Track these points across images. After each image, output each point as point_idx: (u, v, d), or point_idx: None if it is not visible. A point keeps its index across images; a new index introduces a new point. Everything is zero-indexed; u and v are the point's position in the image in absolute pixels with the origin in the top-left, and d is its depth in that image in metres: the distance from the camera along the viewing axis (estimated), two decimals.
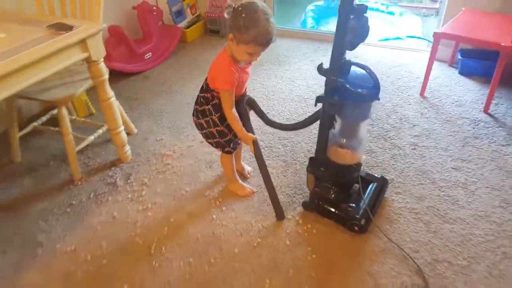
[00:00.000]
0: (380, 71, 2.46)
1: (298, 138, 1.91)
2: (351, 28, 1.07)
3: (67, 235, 1.47)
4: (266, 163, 1.45)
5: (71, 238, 1.45)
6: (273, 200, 1.46)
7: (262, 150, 1.55)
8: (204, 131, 1.44)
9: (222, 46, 1.32)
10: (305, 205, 1.49)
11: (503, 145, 1.80)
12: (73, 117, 1.97)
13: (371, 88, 1.16)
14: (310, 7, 3.56)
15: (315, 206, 1.45)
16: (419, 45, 2.90)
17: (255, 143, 1.38)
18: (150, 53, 2.70)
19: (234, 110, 1.33)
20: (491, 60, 1.96)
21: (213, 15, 3.02)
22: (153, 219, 1.51)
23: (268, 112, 1.78)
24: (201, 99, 1.38)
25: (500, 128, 1.91)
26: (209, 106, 1.36)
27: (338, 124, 1.31)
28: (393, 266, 1.29)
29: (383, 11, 3.76)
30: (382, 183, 1.53)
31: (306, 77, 2.47)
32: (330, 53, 1.18)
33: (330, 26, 3.35)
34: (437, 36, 2.07)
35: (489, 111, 2.04)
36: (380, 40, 3.02)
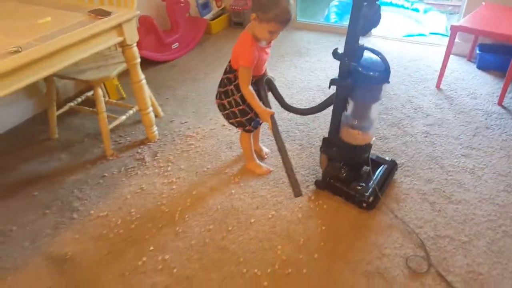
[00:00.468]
0: (399, 64, 2.51)
1: (314, 124, 2.02)
2: (364, 15, 1.16)
3: (100, 202, 1.61)
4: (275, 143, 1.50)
5: (104, 205, 1.59)
6: (290, 175, 1.47)
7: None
8: (226, 111, 1.55)
9: None
10: (317, 183, 1.59)
11: None
12: (106, 99, 2.13)
13: (382, 71, 1.25)
14: (334, 2, 3.60)
15: (327, 184, 1.55)
16: (441, 41, 2.91)
17: (272, 118, 1.44)
18: (177, 43, 2.83)
19: (250, 87, 1.42)
20: (510, 55, 1.99)
21: (238, 8, 3.14)
22: (177, 191, 1.65)
23: (287, 101, 1.86)
24: (225, 80, 1.50)
25: None
26: (232, 86, 1.47)
27: (350, 106, 1.41)
28: (397, 239, 1.38)
29: (407, 8, 3.78)
30: (392, 165, 1.61)
31: (326, 68, 2.55)
32: None
33: None
34: (454, 29, 2.12)
35: (503, 104, 2.08)
36: (404, 36, 3.05)
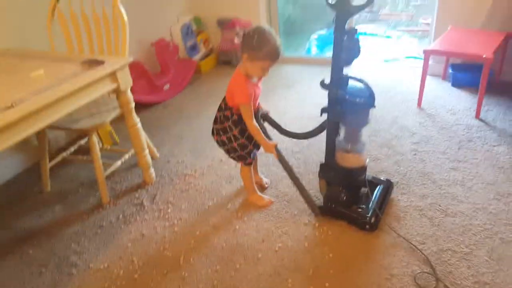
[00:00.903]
0: (381, 88, 2.63)
1: (310, 151, 2.07)
2: (345, 47, 1.26)
3: (99, 254, 1.56)
4: (284, 174, 1.57)
5: (103, 257, 1.54)
6: (305, 197, 1.56)
7: (278, 163, 1.66)
8: (226, 146, 1.60)
9: None
10: (320, 209, 1.62)
11: (494, 146, 1.96)
12: (100, 146, 2.14)
13: (367, 97, 1.34)
14: (314, 36, 3.82)
15: (328, 209, 1.58)
16: (416, 64, 3.10)
17: (277, 149, 1.52)
18: (168, 85, 2.92)
19: (254, 121, 1.49)
20: (479, 72, 2.14)
21: (225, 48, 3.28)
22: (180, 233, 1.63)
23: None
24: (222, 117, 1.55)
25: (491, 131, 2.07)
26: (229, 123, 1.53)
27: (342, 132, 1.47)
28: (403, 258, 1.41)
29: (382, 36, 4.05)
30: (388, 185, 1.67)
31: (314, 97, 2.66)
32: None
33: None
34: (427, 53, 2.27)
35: (480, 117, 2.21)
36: (381, 62, 3.24)
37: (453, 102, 2.41)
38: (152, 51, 2.93)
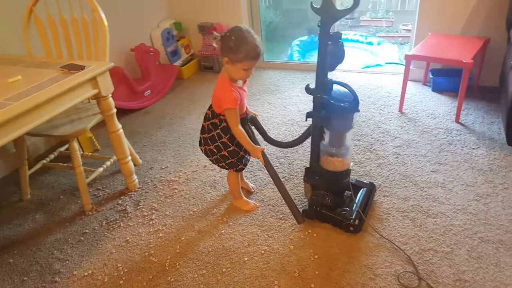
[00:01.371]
0: (363, 93, 2.70)
1: (294, 156, 2.09)
2: (330, 52, 1.28)
3: (83, 261, 1.54)
4: (269, 179, 1.58)
5: (87, 264, 1.53)
6: (290, 205, 1.56)
7: (263, 168, 1.68)
8: (215, 156, 1.57)
9: (216, 80, 1.47)
10: (304, 212, 1.63)
11: (473, 148, 2.01)
12: (81, 153, 2.10)
13: (351, 101, 1.36)
14: (296, 42, 3.88)
15: (313, 212, 1.59)
16: (396, 69, 3.19)
17: (263, 154, 1.50)
18: (149, 91, 2.89)
19: (240, 126, 1.47)
20: (458, 77, 2.20)
21: (207, 53, 3.27)
22: (165, 239, 1.62)
23: None
24: (209, 126, 1.52)
25: (471, 134, 2.13)
26: (218, 131, 1.50)
27: (327, 136, 1.49)
28: (386, 258, 1.43)
29: (362, 42, 4.14)
30: (371, 188, 1.70)
31: (296, 102, 2.68)
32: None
33: (314, 58, 3.65)
34: (408, 58, 2.33)
35: (459, 121, 2.27)
36: (363, 68, 3.30)
37: (434, 106, 2.47)
38: (132, 57, 2.90)
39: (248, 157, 1.63)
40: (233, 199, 1.77)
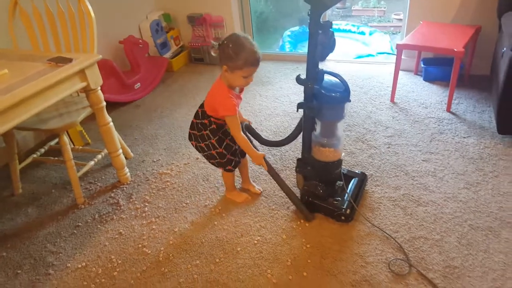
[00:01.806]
0: (354, 84, 2.70)
1: (286, 147, 2.08)
2: (320, 41, 1.27)
3: (76, 254, 1.55)
4: (262, 170, 1.58)
5: (81, 256, 1.53)
6: (298, 205, 1.58)
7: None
8: (206, 153, 1.57)
9: (206, 72, 1.47)
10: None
11: (464, 137, 2.03)
12: (72, 146, 2.08)
13: (343, 91, 1.36)
14: (287, 32, 3.86)
15: (305, 202, 1.60)
16: (388, 59, 3.18)
17: (265, 159, 1.50)
18: (139, 83, 2.86)
19: (242, 133, 1.45)
20: (450, 66, 2.20)
21: (197, 45, 3.23)
22: (158, 231, 1.62)
23: (256, 128, 1.92)
24: (199, 125, 1.50)
25: (462, 124, 2.15)
26: (207, 131, 1.49)
27: (318, 126, 1.49)
28: (377, 246, 1.45)
29: (354, 32, 4.12)
30: (362, 177, 1.71)
31: (288, 94, 2.67)
32: None
33: (306, 48, 3.64)
34: (400, 47, 2.32)
35: (451, 110, 2.28)
36: (354, 58, 3.29)
37: (425, 96, 2.48)
38: (121, 49, 2.86)
39: (238, 160, 1.62)
40: (226, 191, 1.78)
